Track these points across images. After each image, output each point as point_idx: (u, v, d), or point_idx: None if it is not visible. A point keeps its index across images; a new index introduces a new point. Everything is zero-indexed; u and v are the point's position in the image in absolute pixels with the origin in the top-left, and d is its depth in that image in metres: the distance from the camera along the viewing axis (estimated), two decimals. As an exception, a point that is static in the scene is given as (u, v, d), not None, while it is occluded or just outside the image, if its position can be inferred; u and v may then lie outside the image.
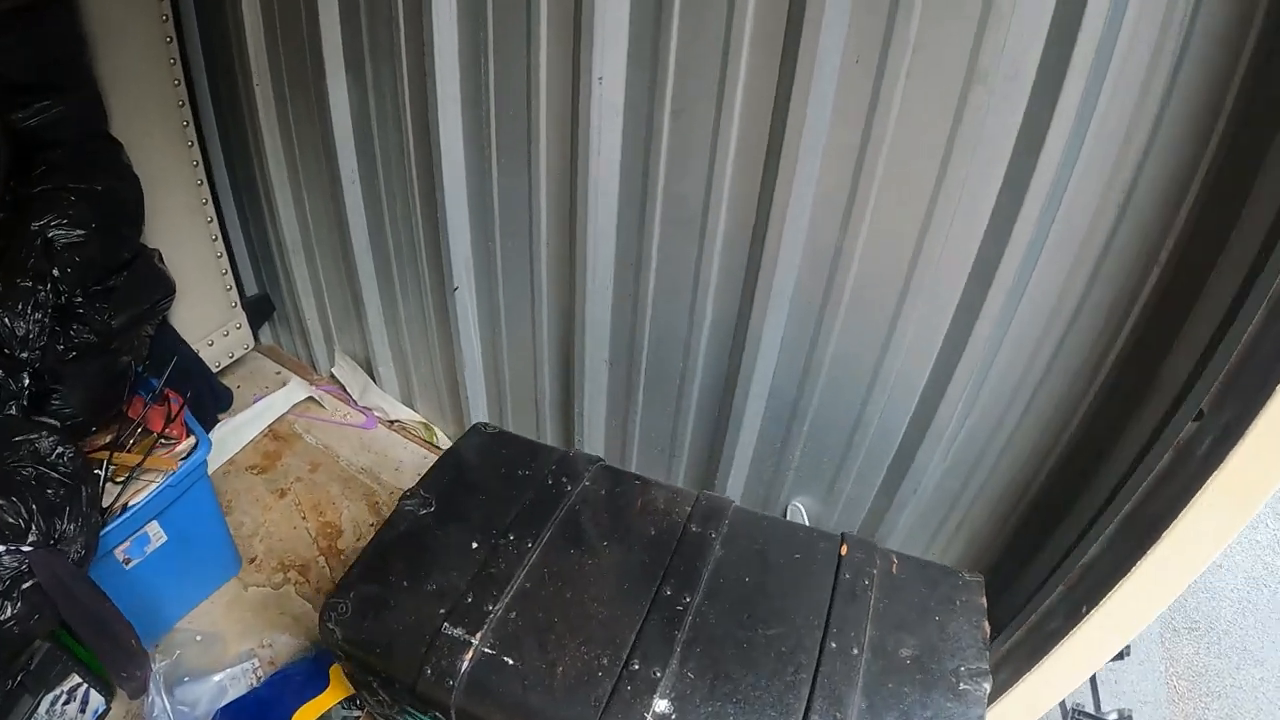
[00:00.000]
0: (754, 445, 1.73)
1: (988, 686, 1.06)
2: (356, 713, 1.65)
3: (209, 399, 2.24)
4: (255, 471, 2.20)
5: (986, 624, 1.15)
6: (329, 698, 1.64)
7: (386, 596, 1.18)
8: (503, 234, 1.73)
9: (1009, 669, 1.25)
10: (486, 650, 1.10)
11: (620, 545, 1.26)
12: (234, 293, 2.27)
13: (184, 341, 2.13)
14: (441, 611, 1.15)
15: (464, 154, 1.68)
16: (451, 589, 1.18)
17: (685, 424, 1.78)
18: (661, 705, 1.02)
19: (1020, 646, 1.31)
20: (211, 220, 2.14)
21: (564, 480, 1.36)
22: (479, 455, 1.42)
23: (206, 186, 2.09)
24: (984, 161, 1.17)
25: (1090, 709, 1.70)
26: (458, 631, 1.11)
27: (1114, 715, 1.70)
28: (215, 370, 2.28)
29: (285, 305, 2.40)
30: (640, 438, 1.87)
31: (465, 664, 1.07)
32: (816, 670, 1.07)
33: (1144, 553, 1.06)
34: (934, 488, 1.60)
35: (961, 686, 1.06)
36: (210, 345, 2.25)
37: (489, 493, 1.34)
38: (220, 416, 2.27)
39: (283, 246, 2.20)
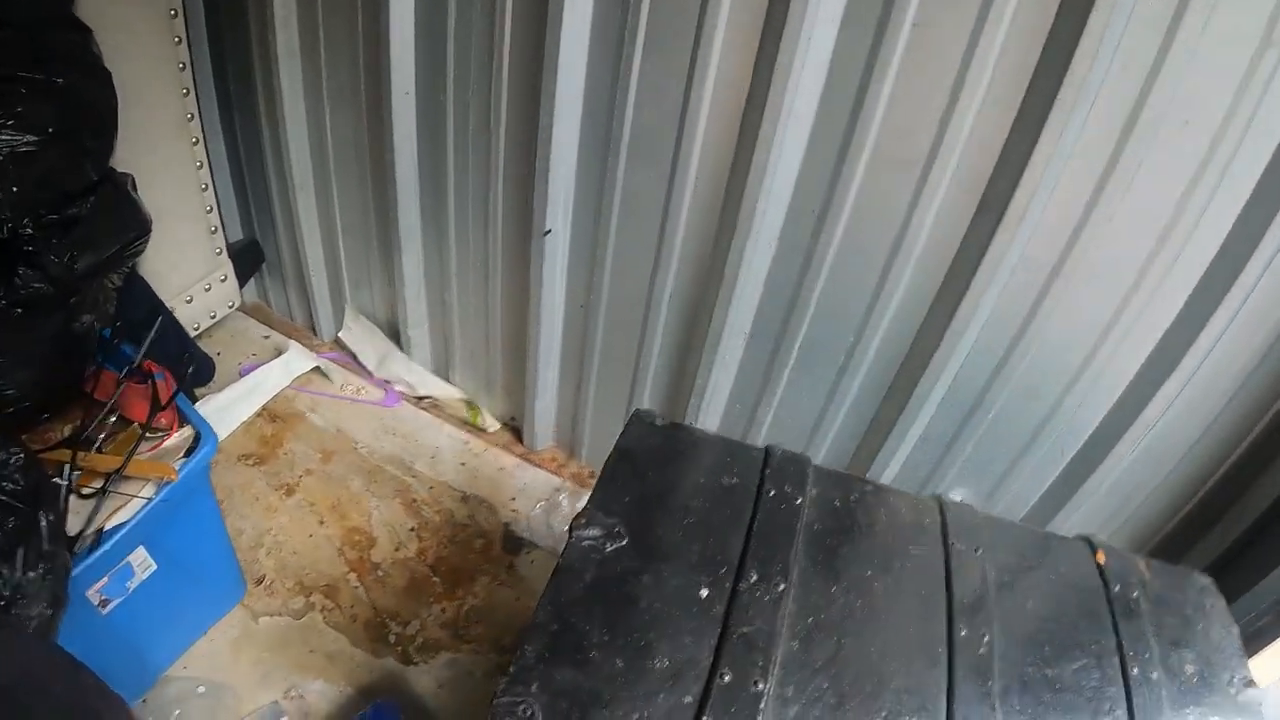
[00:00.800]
0: (920, 436, 1.44)
1: (1255, 693, 0.91)
2: None
3: (190, 373, 1.72)
4: (251, 462, 1.71)
5: (1235, 626, 0.99)
6: None
7: (597, 688, 0.79)
8: (630, 158, 1.31)
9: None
10: None
11: (885, 574, 0.93)
12: (219, 236, 1.76)
13: (157, 297, 1.60)
14: (688, 701, 0.77)
15: (590, 42, 1.25)
16: (692, 664, 0.80)
17: (839, 409, 1.47)
18: None
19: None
20: (197, 142, 1.62)
21: (787, 489, 0.99)
22: (659, 459, 1.03)
23: (194, 98, 1.56)
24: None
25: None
26: None
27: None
28: (194, 333, 1.76)
29: (280, 255, 1.90)
30: (773, 421, 1.53)
31: None
32: (1130, 705, 0.86)
33: None
34: (1112, 485, 1.38)
35: (1240, 697, 0.90)
36: (189, 302, 1.74)
37: (694, 512, 0.96)
38: (199, 392, 1.75)
39: (286, 179, 1.70)
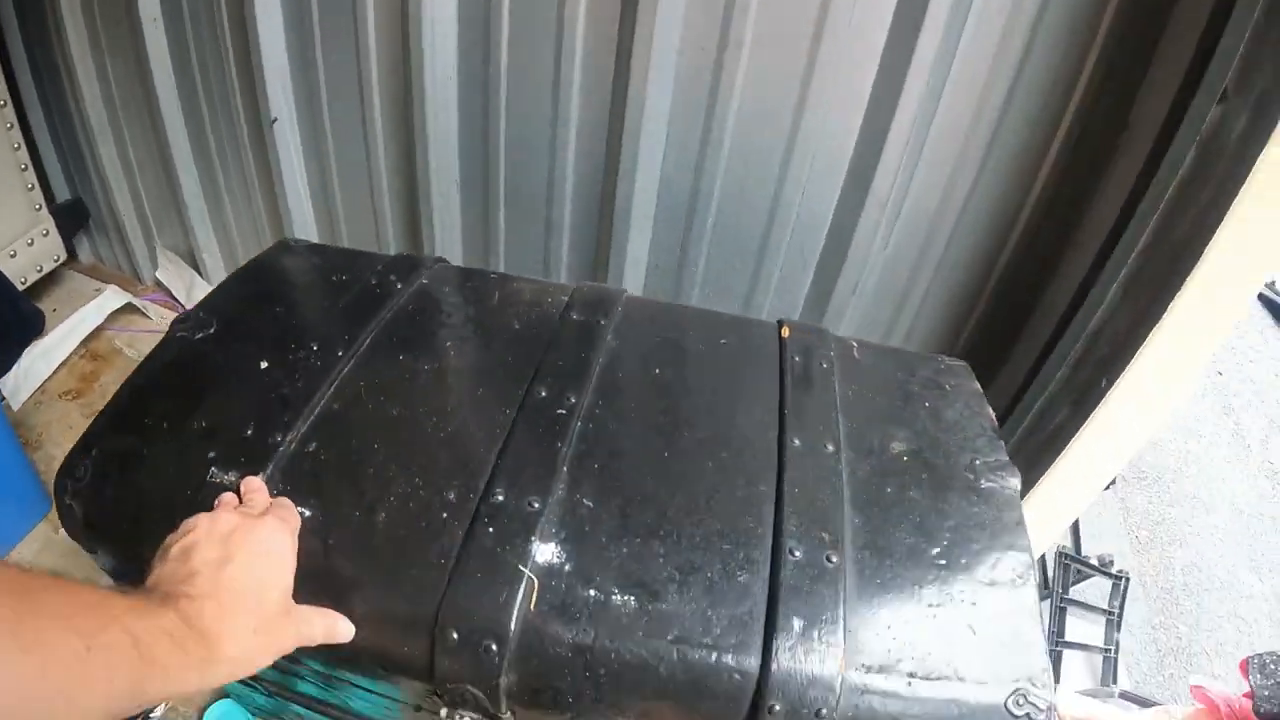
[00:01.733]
0: (648, 255, 1.45)
1: (1016, 482, 0.82)
2: None
3: (13, 322, 1.81)
4: (70, 397, 1.80)
5: (989, 409, 0.89)
6: None
7: (141, 447, 0.83)
8: (325, 48, 1.38)
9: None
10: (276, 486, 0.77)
11: (471, 345, 0.95)
12: (37, 193, 1.86)
13: None
14: (210, 455, 0.80)
15: None
16: (227, 425, 0.83)
17: (560, 239, 1.49)
18: (547, 550, 0.71)
19: (1019, 453, 1.09)
20: (5, 104, 1.73)
21: (393, 279, 1.03)
22: (284, 270, 1.08)
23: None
24: None
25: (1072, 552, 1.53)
26: (229, 477, 0.77)
27: (1095, 560, 1.53)
28: (22, 286, 1.85)
29: (100, 208, 2.01)
30: (506, 265, 1.58)
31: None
32: (780, 478, 0.78)
33: (1182, 275, 0.88)
34: (876, 287, 1.37)
35: (984, 484, 0.81)
36: (13, 257, 1.85)
37: (291, 304, 1.00)
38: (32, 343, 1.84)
39: (88, 129, 1.81)
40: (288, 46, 1.44)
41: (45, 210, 1.90)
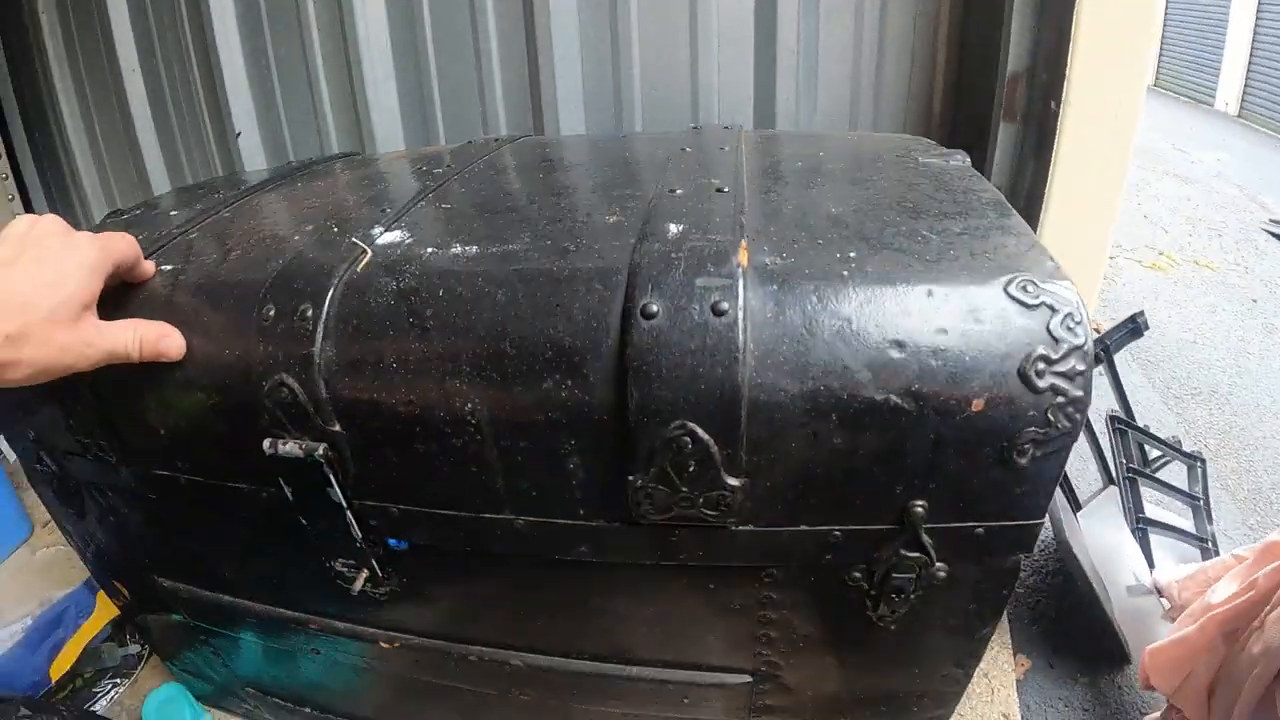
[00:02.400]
0: (579, 84, 1.34)
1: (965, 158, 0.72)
2: (135, 647, 1.18)
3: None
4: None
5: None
6: (95, 623, 1.18)
7: None
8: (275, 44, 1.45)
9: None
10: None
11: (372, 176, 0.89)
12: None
13: None
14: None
15: None
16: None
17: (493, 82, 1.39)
18: (392, 235, 0.61)
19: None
20: (14, 198, 1.86)
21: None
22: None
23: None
24: None
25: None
26: None
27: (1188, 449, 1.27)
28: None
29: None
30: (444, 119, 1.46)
31: None
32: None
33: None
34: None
35: (924, 161, 0.71)
36: None
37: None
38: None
39: (74, 170, 1.89)
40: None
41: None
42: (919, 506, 0.51)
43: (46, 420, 0.73)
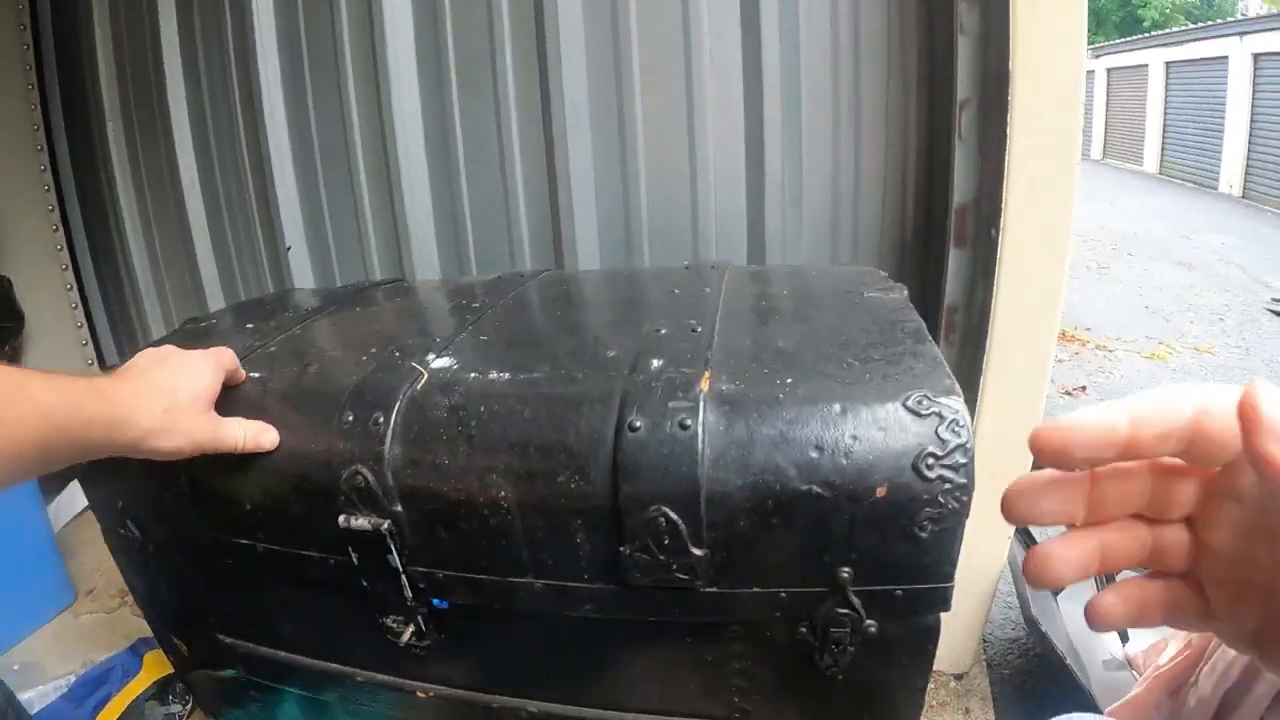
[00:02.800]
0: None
1: (903, 292, 0.89)
2: (176, 707, 1.30)
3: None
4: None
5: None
6: (140, 683, 1.30)
7: None
8: (324, 170, 1.67)
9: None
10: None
11: (413, 307, 1.07)
12: (90, 348, 2.11)
13: None
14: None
15: (285, 103, 1.68)
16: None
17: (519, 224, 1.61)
18: (442, 361, 0.79)
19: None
20: (67, 269, 2.05)
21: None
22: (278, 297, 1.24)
23: (66, 252, 2.05)
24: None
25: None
26: None
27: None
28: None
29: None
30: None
31: None
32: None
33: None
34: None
35: (868, 295, 0.89)
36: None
37: (284, 306, 1.15)
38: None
39: (136, 291, 2.08)
40: (297, 179, 1.73)
41: (96, 366, 2.15)
42: (845, 572, 0.67)
43: (140, 491, 0.88)
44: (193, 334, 1.10)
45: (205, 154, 1.86)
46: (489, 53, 1.47)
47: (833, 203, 1.39)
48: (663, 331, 0.76)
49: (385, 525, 0.70)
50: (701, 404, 0.65)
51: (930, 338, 0.78)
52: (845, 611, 0.68)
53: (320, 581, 0.80)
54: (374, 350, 0.83)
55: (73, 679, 1.42)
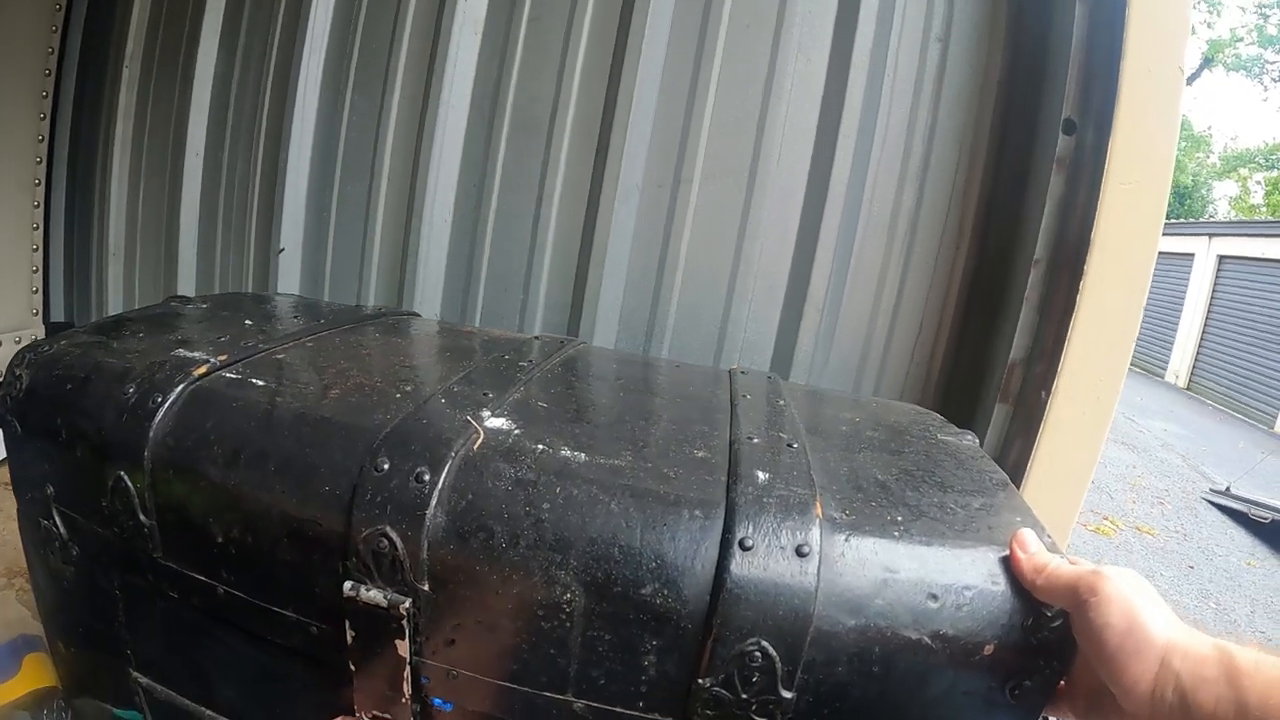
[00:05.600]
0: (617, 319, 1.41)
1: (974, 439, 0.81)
2: None
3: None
4: (8, 486, 1.58)
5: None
6: (12, 688, 1.02)
7: (109, 341, 0.77)
8: (343, 179, 1.49)
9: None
10: (227, 374, 0.69)
11: (437, 349, 0.91)
12: (39, 298, 1.82)
13: None
14: (175, 339, 0.74)
15: (320, 98, 1.50)
16: (202, 337, 0.77)
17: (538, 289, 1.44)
18: (498, 421, 0.64)
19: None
20: (38, 206, 1.77)
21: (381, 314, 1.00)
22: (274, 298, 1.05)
23: (45, 166, 1.76)
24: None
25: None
26: (195, 354, 0.70)
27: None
28: (-7, 381, 1.73)
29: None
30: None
31: (185, 382, 0.65)
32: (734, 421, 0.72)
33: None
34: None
35: (941, 437, 0.79)
36: (-1, 347, 1.74)
37: (281, 309, 0.97)
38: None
39: (103, 248, 1.81)
40: (310, 178, 1.54)
41: (40, 318, 1.85)
42: None
43: (81, 482, 0.68)
44: (176, 314, 0.91)
45: (219, 125, 1.65)
46: (553, 100, 1.34)
47: (866, 335, 1.30)
48: (755, 440, 0.63)
49: (405, 604, 0.53)
50: (818, 529, 0.52)
51: (1018, 492, 0.68)
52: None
53: (291, 649, 0.61)
54: (410, 389, 0.66)
55: (-74, 677, 1.11)
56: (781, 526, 0.52)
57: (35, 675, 1.08)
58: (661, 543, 0.51)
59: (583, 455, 0.57)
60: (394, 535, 0.53)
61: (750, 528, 0.51)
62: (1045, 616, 0.53)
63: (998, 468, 0.72)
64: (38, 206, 1.79)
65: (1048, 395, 0.99)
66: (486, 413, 0.62)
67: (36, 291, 1.83)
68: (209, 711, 0.73)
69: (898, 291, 1.28)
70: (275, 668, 0.66)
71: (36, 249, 1.81)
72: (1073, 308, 0.99)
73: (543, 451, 0.56)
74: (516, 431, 0.60)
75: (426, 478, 0.53)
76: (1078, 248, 1.01)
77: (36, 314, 1.85)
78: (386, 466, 0.54)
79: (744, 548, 0.50)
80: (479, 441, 0.57)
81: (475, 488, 0.54)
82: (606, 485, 0.53)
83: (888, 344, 1.29)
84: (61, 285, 1.95)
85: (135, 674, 0.76)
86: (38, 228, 1.80)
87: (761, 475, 0.57)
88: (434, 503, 0.53)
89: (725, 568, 0.50)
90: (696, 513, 0.53)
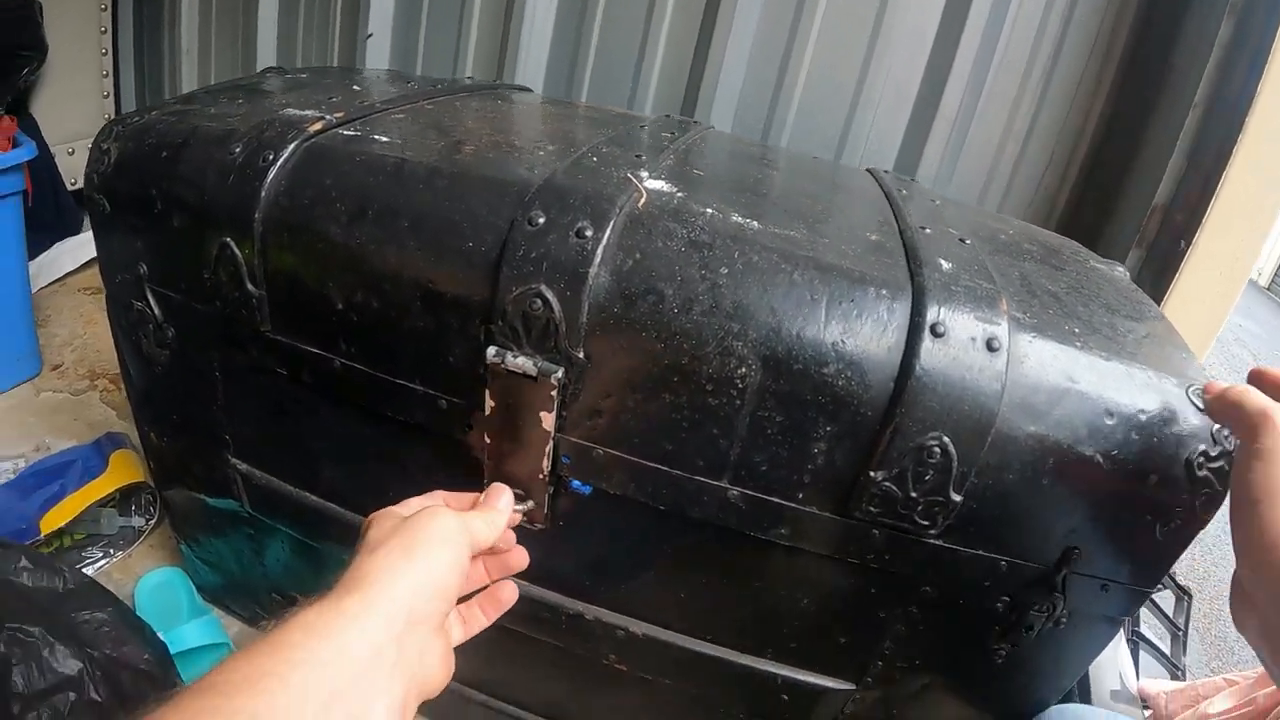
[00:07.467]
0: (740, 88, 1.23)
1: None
2: (139, 520, 1.01)
3: (53, 213, 1.60)
4: (90, 293, 1.56)
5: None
6: (100, 486, 1.00)
7: (205, 109, 0.66)
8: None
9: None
10: (344, 131, 0.59)
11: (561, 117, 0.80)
12: (110, 101, 1.71)
13: (41, 136, 1.52)
14: (280, 102, 0.64)
15: None
16: (311, 100, 0.67)
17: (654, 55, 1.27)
18: (657, 184, 0.55)
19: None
20: (105, 9, 1.62)
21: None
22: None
23: None
24: None
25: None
26: (307, 112, 0.60)
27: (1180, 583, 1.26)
28: (71, 186, 1.65)
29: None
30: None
31: (299, 139, 0.56)
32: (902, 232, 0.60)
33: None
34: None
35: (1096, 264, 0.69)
36: (70, 154, 1.68)
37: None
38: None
39: (176, 47, 1.67)
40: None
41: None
42: (1076, 553, 0.49)
43: (178, 254, 0.61)
44: (274, 83, 0.80)
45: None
46: None
47: (995, 157, 1.17)
48: (928, 231, 0.54)
49: (557, 374, 0.46)
50: (1007, 326, 0.44)
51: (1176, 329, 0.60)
52: (1054, 595, 0.51)
53: (413, 426, 0.55)
54: (552, 148, 0.57)
55: (22, 464, 1.11)
56: (972, 317, 0.45)
57: (124, 471, 1.06)
58: (848, 319, 0.45)
59: (756, 224, 0.49)
60: (550, 295, 0.46)
61: (941, 313, 0.44)
62: (1208, 455, 0.48)
63: (1155, 306, 0.64)
64: (105, 9, 1.64)
65: (1187, 245, 0.89)
66: (645, 174, 0.53)
67: (108, 96, 1.73)
68: (312, 496, 0.70)
69: (1032, 117, 1.14)
70: (390, 447, 0.62)
71: (106, 53, 1.69)
72: (1228, 156, 0.87)
73: (714, 215, 0.49)
74: (680, 194, 0.52)
75: (589, 233, 0.46)
76: (1239, 96, 0.87)
77: (109, 118, 1.74)
78: (542, 220, 0.47)
79: (935, 334, 0.44)
80: (643, 200, 0.49)
81: (644, 246, 0.47)
82: (788, 255, 0.46)
83: (1015, 168, 1.17)
84: (133, 88, 1.83)
85: (233, 460, 0.72)
86: (106, 31, 1.67)
87: (945, 264, 0.49)
88: (598, 260, 0.45)
89: (914, 353, 0.44)
90: (884, 292, 0.46)
